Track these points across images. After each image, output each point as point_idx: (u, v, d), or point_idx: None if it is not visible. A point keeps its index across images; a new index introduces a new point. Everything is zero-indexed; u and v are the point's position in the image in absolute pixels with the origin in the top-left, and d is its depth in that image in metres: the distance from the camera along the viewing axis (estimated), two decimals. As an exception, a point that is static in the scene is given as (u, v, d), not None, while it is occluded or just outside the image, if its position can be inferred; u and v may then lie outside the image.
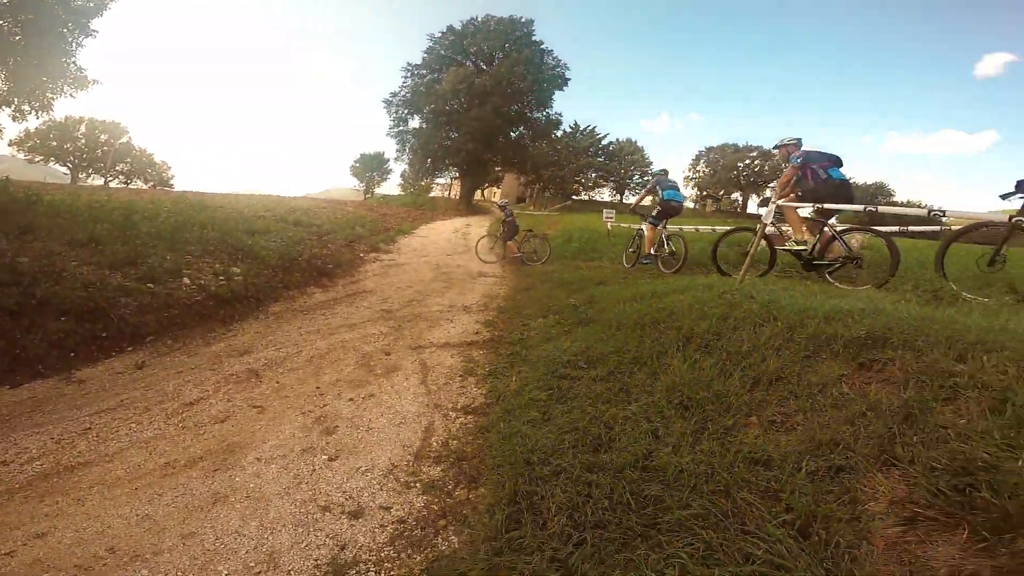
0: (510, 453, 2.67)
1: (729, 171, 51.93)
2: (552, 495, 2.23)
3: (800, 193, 5.39)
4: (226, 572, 2.10)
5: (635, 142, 54.28)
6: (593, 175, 52.13)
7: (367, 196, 48.28)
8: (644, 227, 7.69)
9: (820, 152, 5.40)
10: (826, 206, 4.75)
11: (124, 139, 42.60)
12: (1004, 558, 1.33)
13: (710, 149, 54.77)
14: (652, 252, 7.36)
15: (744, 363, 2.74)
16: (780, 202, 5.00)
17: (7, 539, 2.31)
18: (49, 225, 6.15)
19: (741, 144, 52.44)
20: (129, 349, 4.74)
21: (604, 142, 52.04)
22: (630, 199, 53.16)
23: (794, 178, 5.46)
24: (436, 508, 2.53)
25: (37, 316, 4.50)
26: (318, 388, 3.98)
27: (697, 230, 10.30)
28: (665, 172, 8.02)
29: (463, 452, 3.01)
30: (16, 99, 9.07)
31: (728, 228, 7.09)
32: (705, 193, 56.05)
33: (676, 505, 1.95)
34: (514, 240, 10.76)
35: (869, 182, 48.98)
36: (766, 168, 49.49)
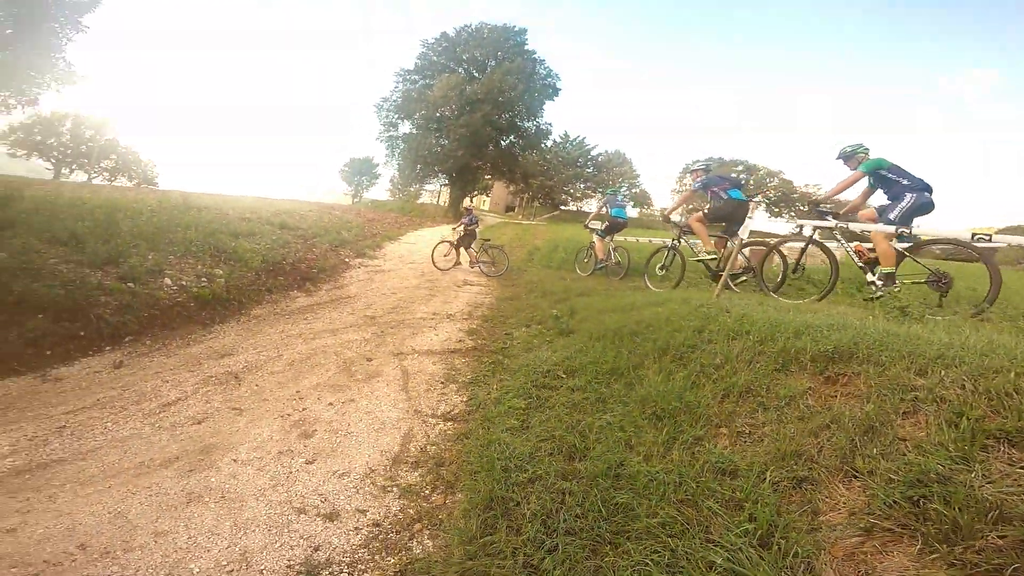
0: (488, 460, 2.69)
1: (716, 184, 52.53)
2: (527, 501, 2.26)
3: (707, 211, 6.20)
4: (198, 570, 2.10)
5: (623, 154, 54.92)
6: (582, 186, 52.49)
7: (355, 201, 48.03)
8: (594, 239, 9.15)
9: (721, 176, 6.26)
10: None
11: (110, 136, 41.93)
12: (954, 568, 1.38)
13: (696, 162, 55.49)
14: (603, 259, 8.88)
15: (716, 375, 2.80)
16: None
17: None
18: (29, 221, 6.03)
19: (727, 158, 53.37)
20: (107, 349, 4.66)
21: (593, 153, 52.56)
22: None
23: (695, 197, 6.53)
24: (412, 512, 2.54)
25: (14, 313, 4.42)
26: (298, 392, 3.96)
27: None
28: (615, 192, 9.74)
29: (441, 458, 3.03)
30: (2, 92, 8.95)
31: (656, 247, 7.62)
32: (692, 207, 56.73)
33: (645, 513, 1.99)
34: (472, 248, 10.48)
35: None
36: (751, 182, 50.37)
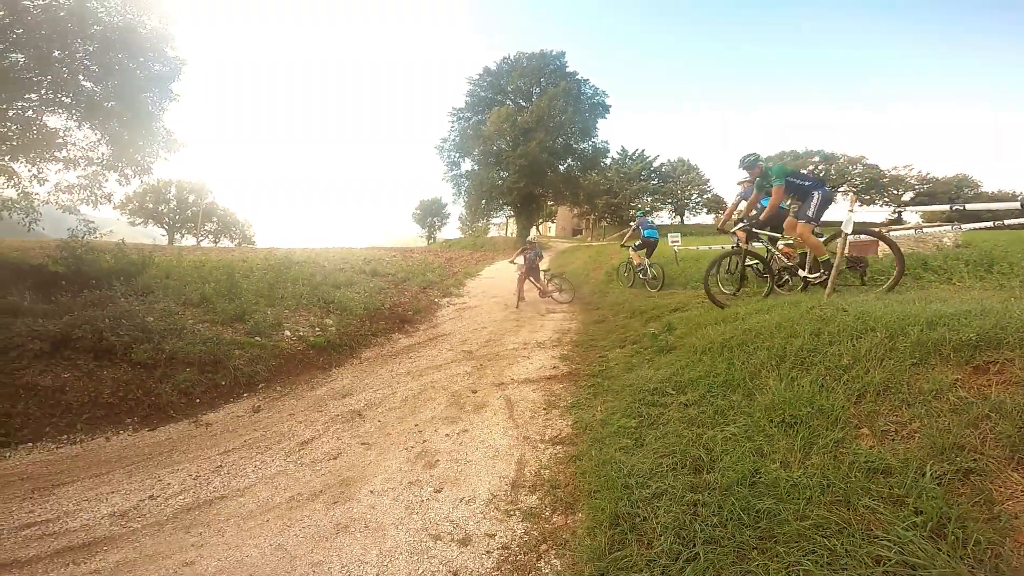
0: (606, 478, 2.81)
1: (792, 178, 49.55)
2: (655, 516, 2.35)
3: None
4: None
5: (687, 160, 53.59)
6: (648, 199, 51.68)
7: (430, 241, 50.28)
8: (632, 253, 10.36)
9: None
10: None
11: (209, 198, 47.00)
12: None
13: (768, 158, 52.89)
14: (640, 264, 9.98)
15: (846, 376, 2.75)
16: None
17: (160, 567, 2.63)
18: (163, 286, 7.12)
19: (801, 150, 50.31)
20: (245, 395, 5.35)
21: (656, 164, 51.78)
22: (692, 220, 52.18)
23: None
24: (536, 534, 2.69)
25: (167, 368, 5.23)
26: (416, 425, 4.30)
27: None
28: (644, 214, 11.05)
29: (556, 480, 3.17)
30: (120, 164, 10.17)
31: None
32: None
33: (792, 517, 2.02)
34: (541, 280, 10.60)
35: (949, 175, 44.77)
36: (832, 172, 46.94)
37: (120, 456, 4.14)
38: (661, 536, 2.20)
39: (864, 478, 2.02)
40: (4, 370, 4.69)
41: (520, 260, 10.56)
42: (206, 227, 45.99)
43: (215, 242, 44.73)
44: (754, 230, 5.47)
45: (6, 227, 9.07)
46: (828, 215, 5.24)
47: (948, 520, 1.65)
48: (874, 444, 2.22)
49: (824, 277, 4.92)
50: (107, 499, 3.44)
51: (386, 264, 12.47)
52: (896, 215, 36.82)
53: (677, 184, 51.99)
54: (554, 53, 36.08)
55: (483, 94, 37.36)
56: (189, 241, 42.25)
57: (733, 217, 7.00)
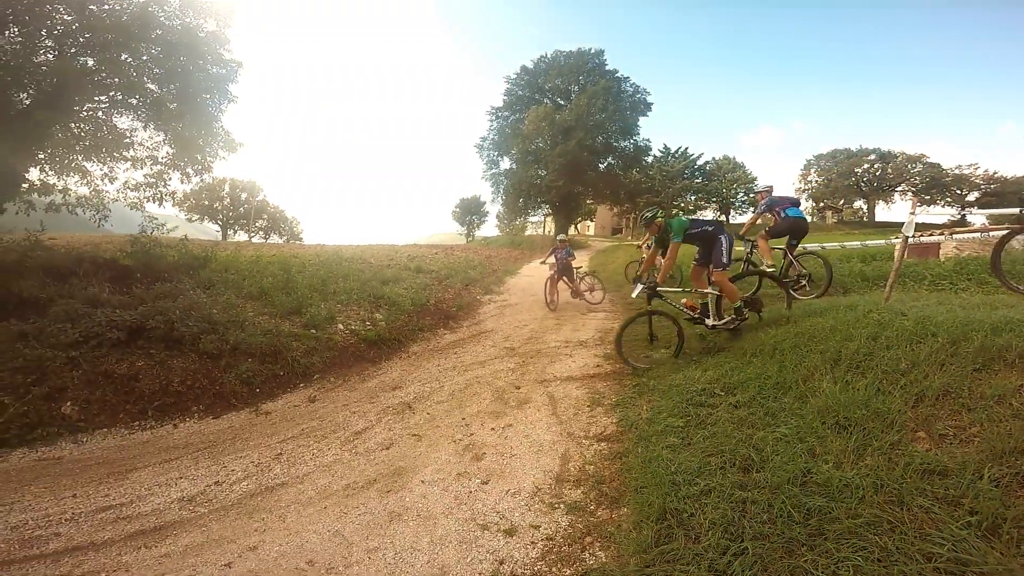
0: (653, 475, 2.92)
1: (846, 178, 47.77)
2: (702, 512, 2.45)
3: (768, 229, 6.91)
4: None
5: (733, 158, 52.27)
6: (692, 198, 50.65)
7: (469, 239, 50.92)
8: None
9: (782, 197, 7.08)
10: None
11: (260, 196, 49.10)
12: None
13: (820, 157, 51.10)
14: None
15: (903, 381, 2.78)
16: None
17: (226, 551, 2.82)
18: (223, 280, 7.65)
19: (855, 148, 48.20)
20: (301, 386, 5.72)
21: (699, 162, 50.74)
22: (737, 219, 50.78)
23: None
24: (581, 526, 2.80)
25: (231, 358, 5.64)
26: (463, 419, 4.51)
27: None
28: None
29: (601, 476, 3.29)
30: (182, 163, 10.81)
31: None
32: (823, 204, 51.95)
33: (844, 515, 2.10)
34: (575, 279, 10.25)
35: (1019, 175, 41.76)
36: (889, 171, 44.72)
37: (187, 443, 4.49)
38: (709, 531, 2.30)
39: (919, 479, 2.08)
40: (86, 358, 5.15)
41: (551, 260, 10.29)
42: (257, 224, 48.09)
43: (265, 238, 46.78)
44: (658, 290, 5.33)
45: (76, 223, 9.81)
46: (891, 216, 5.22)
47: (1003, 521, 1.70)
48: (931, 447, 2.26)
49: (736, 323, 5.14)
50: (176, 484, 3.71)
51: (429, 261, 12.93)
52: (959, 217, 35.05)
53: (722, 183, 50.75)
54: (592, 51, 36.04)
55: (521, 93, 37.66)
56: (241, 237, 44.24)
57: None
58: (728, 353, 4.47)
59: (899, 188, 45.37)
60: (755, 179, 50.85)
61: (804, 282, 6.61)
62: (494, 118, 38.44)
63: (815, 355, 3.50)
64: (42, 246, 7.54)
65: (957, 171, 41.70)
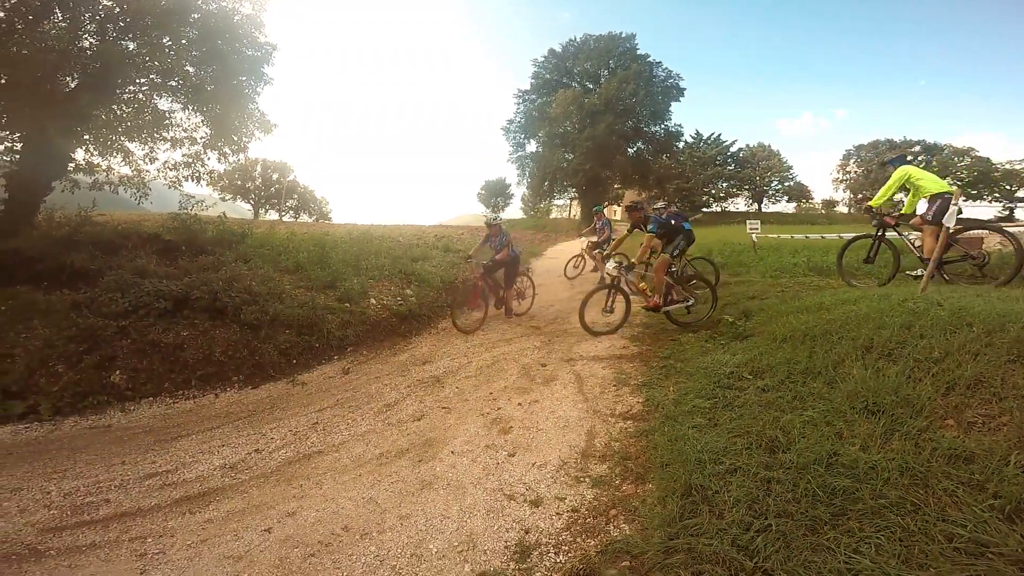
0: (679, 453, 3.01)
1: (886, 170, 45.97)
2: (727, 489, 2.53)
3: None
4: (435, 550, 2.55)
5: (768, 146, 50.89)
6: (724, 185, 49.53)
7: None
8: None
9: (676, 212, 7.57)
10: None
11: (291, 176, 50.03)
12: None
13: (860, 147, 49.33)
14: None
15: (935, 369, 2.80)
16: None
17: (266, 517, 2.97)
18: (259, 254, 7.96)
19: (898, 139, 46.38)
20: (335, 358, 5.97)
21: (733, 149, 49.50)
22: (771, 208, 49.63)
23: None
24: (606, 500, 2.90)
25: (269, 329, 5.89)
26: (490, 393, 4.67)
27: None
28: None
29: (626, 452, 3.38)
30: (219, 143, 11.11)
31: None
32: (861, 196, 50.38)
33: (868, 496, 2.16)
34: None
35: None
36: (934, 164, 42.93)
37: (228, 411, 4.73)
38: (733, 508, 2.38)
39: (945, 463, 2.12)
40: (135, 327, 5.42)
41: (594, 238, 10.30)
42: (287, 203, 49.06)
43: (295, 217, 47.72)
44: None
45: (115, 201, 10.23)
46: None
47: (1026, 504, 1.75)
48: (959, 434, 2.30)
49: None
50: (218, 452, 3.90)
51: (456, 241, 13.17)
52: (1007, 212, 33.94)
53: (756, 170, 49.47)
54: (624, 35, 35.74)
55: (549, 76, 37.39)
56: (272, 216, 45.23)
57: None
58: (758, 338, 4.49)
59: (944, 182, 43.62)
60: (791, 168, 49.48)
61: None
62: (521, 101, 38.25)
63: (847, 342, 3.51)
64: (91, 222, 7.93)
65: (1008, 166, 39.80)
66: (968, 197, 40.79)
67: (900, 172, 5.97)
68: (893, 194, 6.11)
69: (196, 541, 2.78)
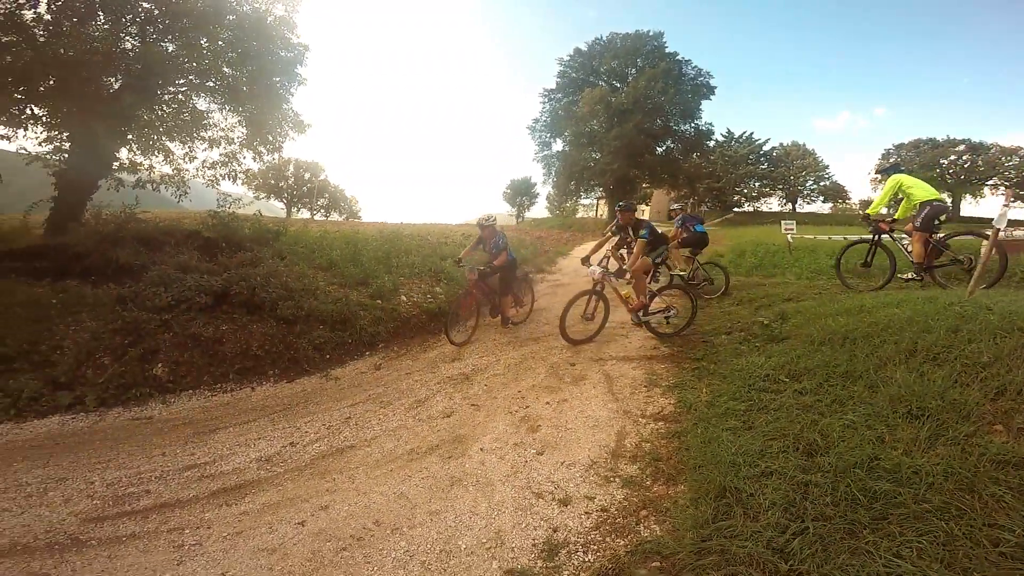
0: (712, 455, 3.01)
1: (929, 170, 44.63)
2: (763, 492, 2.52)
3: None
4: (464, 546, 2.58)
5: (803, 145, 49.70)
6: (756, 184, 48.52)
7: (519, 221, 51.17)
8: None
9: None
10: None
11: (322, 176, 51.19)
12: None
13: (900, 146, 47.83)
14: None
15: (984, 374, 2.74)
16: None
17: (300, 510, 3.03)
18: (294, 252, 8.21)
19: (940, 138, 44.74)
20: (367, 354, 6.10)
21: (766, 148, 48.48)
22: (805, 208, 48.52)
23: None
24: (636, 500, 2.90)
25: (304, 324, 6.07)
26: (519, 392, 4.72)
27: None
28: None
29: (658, 453, 3.38)
30: (255, 143, 11.45)
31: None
32: (900, 196, 48.71)
33: (911, 500, 2.14)
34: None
35: None
36: (980, 163, 41.16)
37: (264, 405, 4.86)
38: (768, 511, 2.38)
39: (993, 468, 2.09)
40: (177, 321, 5.63)
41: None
42: (319, 202, 50.24)
43: (326, 216, 48.75)
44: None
45: (154, 199, 10.62)
46: (978, 211, 5.16)
47: (1081, 511, 1.71)
48: (1008, 440, 2.25)
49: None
50: (254, 445, 3.99)
51: (483, 240, 13.24)
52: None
53: (790, 169, 48.34)
54: (651, 33, 35.59)
55: (574, 75, 37.41)
56: (303, 215, 46.35)
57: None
58: (794, 341, 4.43)
59: (990, 182, 41.79)
60: (827, 167, 48.21)
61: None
62: (547, 100, 38.31)
63: (889, 345, 3.45)
64: (135, 219, 8.29)
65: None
66: (1017, 198, 39.18)
67: (893, 181, 6.25)
68: (889, 202, 6.40)
69: (232, 533, 2.85)
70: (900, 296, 4.69)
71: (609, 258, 7.14)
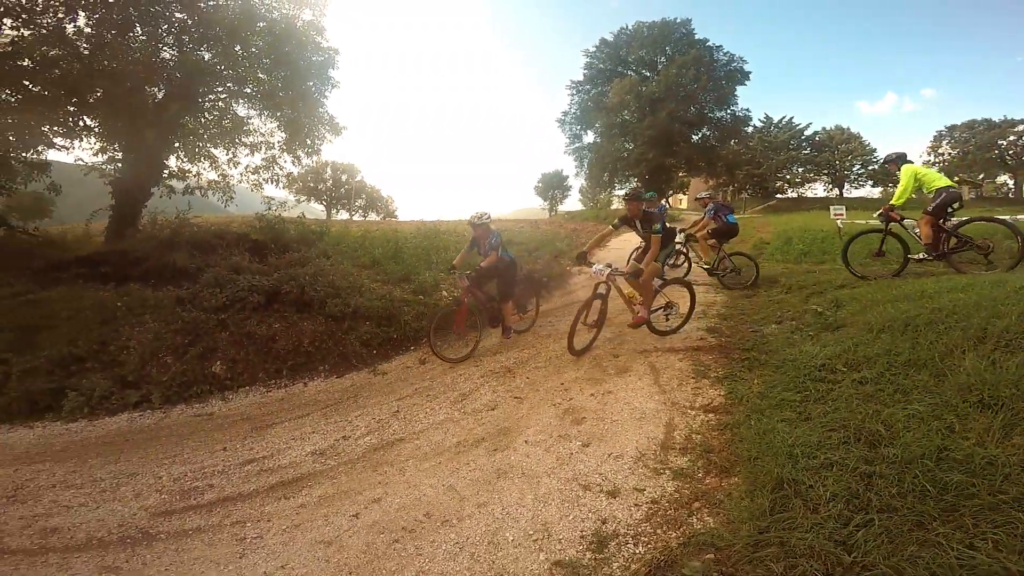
0: (768, 446, 2.94)
1: (986, 151, 42.34)
2: (823, 484, 2.46)
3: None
4: (511, 538, 2.60)
5: (847, 128, 47.73)
6: (799, 170, 46.91)
7: (552, 214, 51.20)
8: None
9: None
10: None
11: (358, 177, 52.77)
12: None
13: (953, 128, 45.44)
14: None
15: (1063, 361, 2.59)
16: None
17: (354, 502, 3.10)
18: (338, 251, 8.48)
19: (997, 118, 42.37)
20: (412, 348, 6.26)
21: (807, 133, 46.77)
22: (853, 193, 46.76)
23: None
24: (688, 492, 2.86)
25: (352, 321, 6.27)
26: (562, 384, 4.73)
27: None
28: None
29: (709, 445, 3.32)
30: (294, 146, 11.85)
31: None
32: (958, 178, 46.57)
33: (985, 492, 2.07)
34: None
35: None
36: None
37: (316, 400, 5.05)
38: (829, 503, 2.32)
39: (1076, 459, 1.99)
40: (232, 320, 5.94)
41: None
42: (357, 203, 51.65)
43: (364, 216, 50.11)
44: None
45: (202, 205, 11.14)
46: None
47: None
48: (1093, 429, 2.14)
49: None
50: (309, 439, 4.15)
51: (517, 234, 13.43)
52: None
53: (835, 154, 46.57)
54: (678, 21, 35.06)
55: (602, 66, 37.08)
56: (342, 216, 47.71)
57: None
58: (851, 328, 4.29)
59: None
60: (874, 151, 46.34)
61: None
62: (575, 92, 38.01)
63: (956, 332, 3.31)
64: (188, 224, 8.74)
65: None
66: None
67: (908, 171, 6.32)
68: (912, 191, 6.37)
69: (290, 526, 2.97)
70: (965, 280, 4.48)
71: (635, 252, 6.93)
